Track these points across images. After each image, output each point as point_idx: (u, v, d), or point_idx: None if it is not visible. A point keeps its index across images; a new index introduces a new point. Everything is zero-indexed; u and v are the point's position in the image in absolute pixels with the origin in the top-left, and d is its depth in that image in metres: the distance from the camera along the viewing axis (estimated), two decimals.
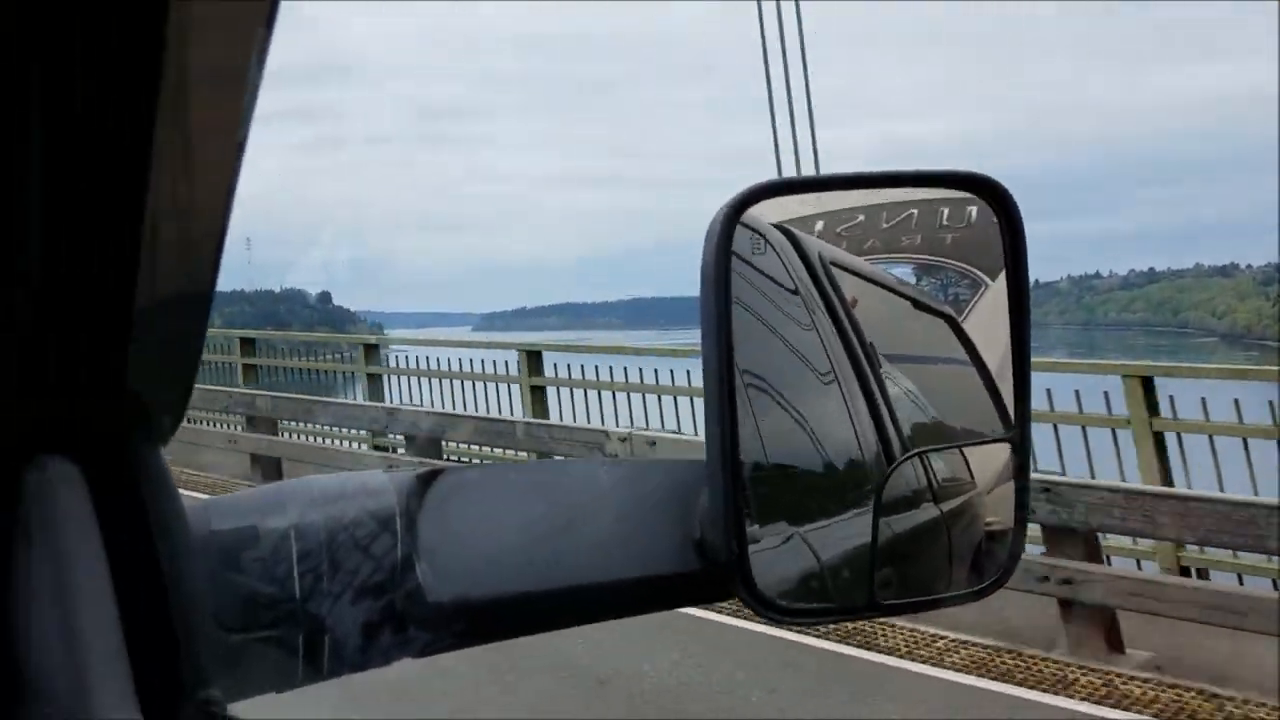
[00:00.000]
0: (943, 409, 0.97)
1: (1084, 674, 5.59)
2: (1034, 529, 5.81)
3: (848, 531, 0.81)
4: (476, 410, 10.81)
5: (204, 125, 0.45)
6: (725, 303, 0.71)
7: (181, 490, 0.60)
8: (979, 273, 0.98)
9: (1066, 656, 5.79)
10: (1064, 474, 6.69)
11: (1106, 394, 7.32)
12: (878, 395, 0.88)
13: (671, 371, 9.83)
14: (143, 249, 0.46)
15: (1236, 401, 6.90)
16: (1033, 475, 0.88)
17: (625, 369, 10.24)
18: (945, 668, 5.77)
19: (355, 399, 12.00)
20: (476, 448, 9.97)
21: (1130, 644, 5.90)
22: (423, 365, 11.95)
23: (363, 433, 11.33)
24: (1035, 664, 5.73)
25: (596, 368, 10.42)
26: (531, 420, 9.79)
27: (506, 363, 11.08)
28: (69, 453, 0.53)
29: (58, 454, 0.52)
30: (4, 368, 0.49)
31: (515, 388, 10.79)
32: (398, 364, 12.39)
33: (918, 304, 0.97)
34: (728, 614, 6.08)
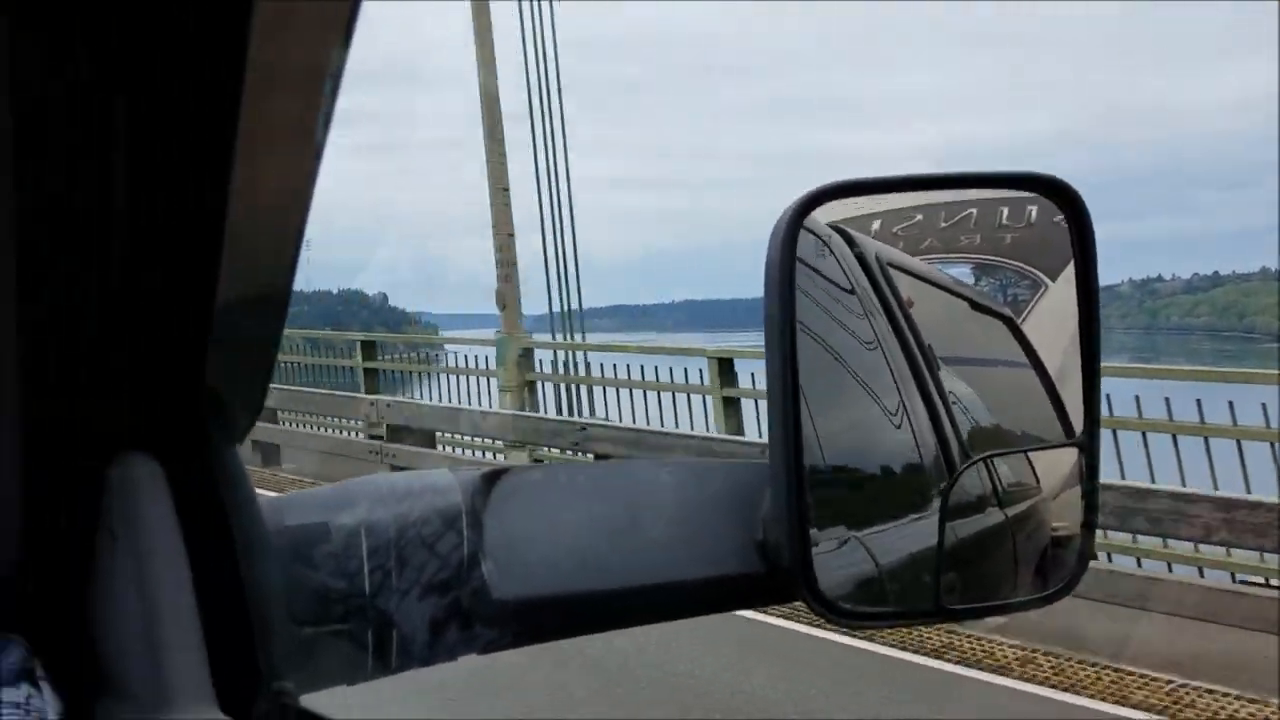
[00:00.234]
0: (1002, 412, 0.96)
1: None
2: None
3: (907, 535, 0.81)
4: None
5: (284, 126, 0.46)
6: (790, 305, 0.71)
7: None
8: (1039, 273, 0.97)
9: None
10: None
11: (1168, 399, 7.17)
12: (936, 398, 0.88)
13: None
14: (224, 250, 0.47)
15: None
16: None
17: (686, 369, 9.96)
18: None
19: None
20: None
21: None
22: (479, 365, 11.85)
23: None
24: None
25: (671, 369, 10.04)
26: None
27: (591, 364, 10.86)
28: (150, 450, 0.54)
29: (140, 451, 0.54)
30: (88, 368, 0.51)
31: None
32: (456, 363, 12.29)
33: (976, 305, 0.96)
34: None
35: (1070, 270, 0.96)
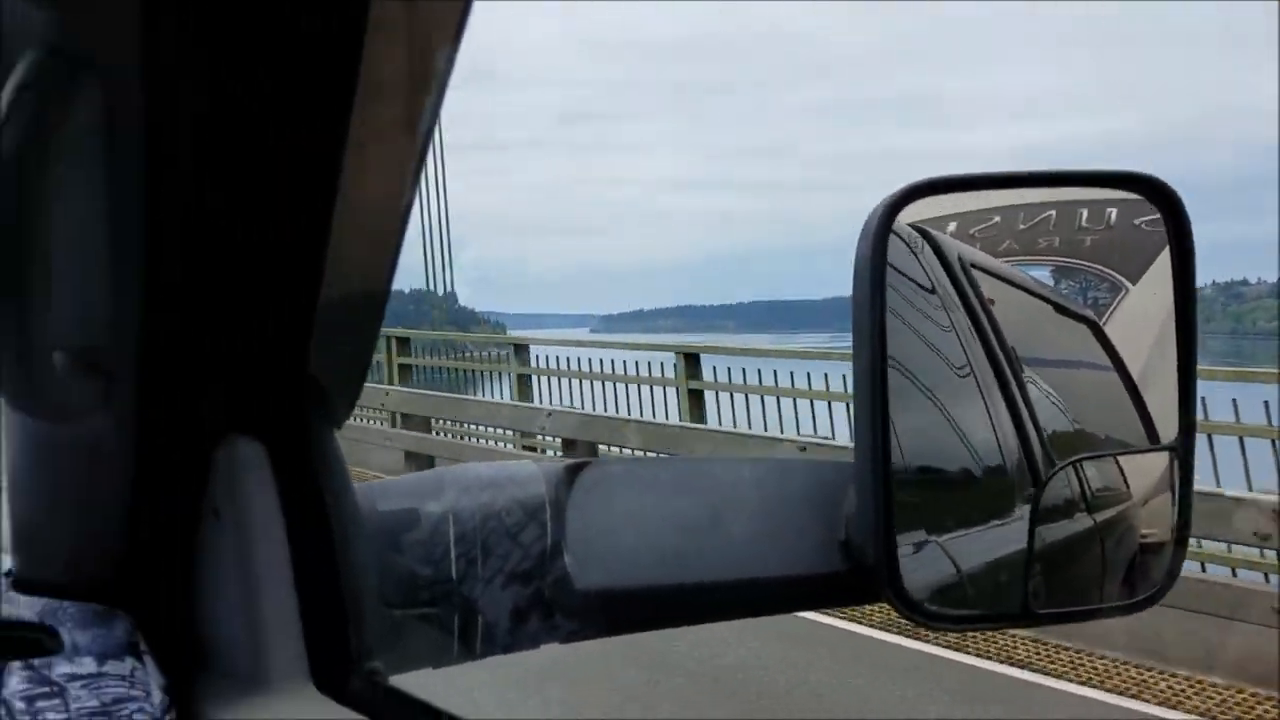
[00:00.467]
0: (1085, 416, 0.94)
1: None
2: None
3: (989, 540, 0.80)
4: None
5: (392, 128, 0.47)
6: (880, 303, 0.70)
7: None
8: (1119, 276, 0.96)
9: None
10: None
11: (1266, 404, 6.94)
12: (1019, 400, 0.87)
13: (791, 374, 9.60)
14: (330, 243, 0.49)
15: None
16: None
17: (744, 370, 9.95)
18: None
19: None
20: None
21: None
22: (556, 365, 11.84)
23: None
24: None
25: (744, 370, 9.97)
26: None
27: (637, 363, 10.87)
28: (255, 434, 0.56)
29: (245, 435, 0.56)
30: (197, 354, 0.53)
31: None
32: (538, 363, 12.34)
33: (1059, 307, 0.95)
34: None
35: (1151, 274, 0.95)
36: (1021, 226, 0.97)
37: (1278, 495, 5.79)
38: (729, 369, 9.98)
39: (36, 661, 0.54)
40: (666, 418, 10.02)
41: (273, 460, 0.56)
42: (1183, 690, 5.41)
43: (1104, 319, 0.95)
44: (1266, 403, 6.92)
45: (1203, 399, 6.94)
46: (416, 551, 0.67)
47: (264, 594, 0.54)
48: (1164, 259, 0.90)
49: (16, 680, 0.53)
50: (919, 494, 0.79)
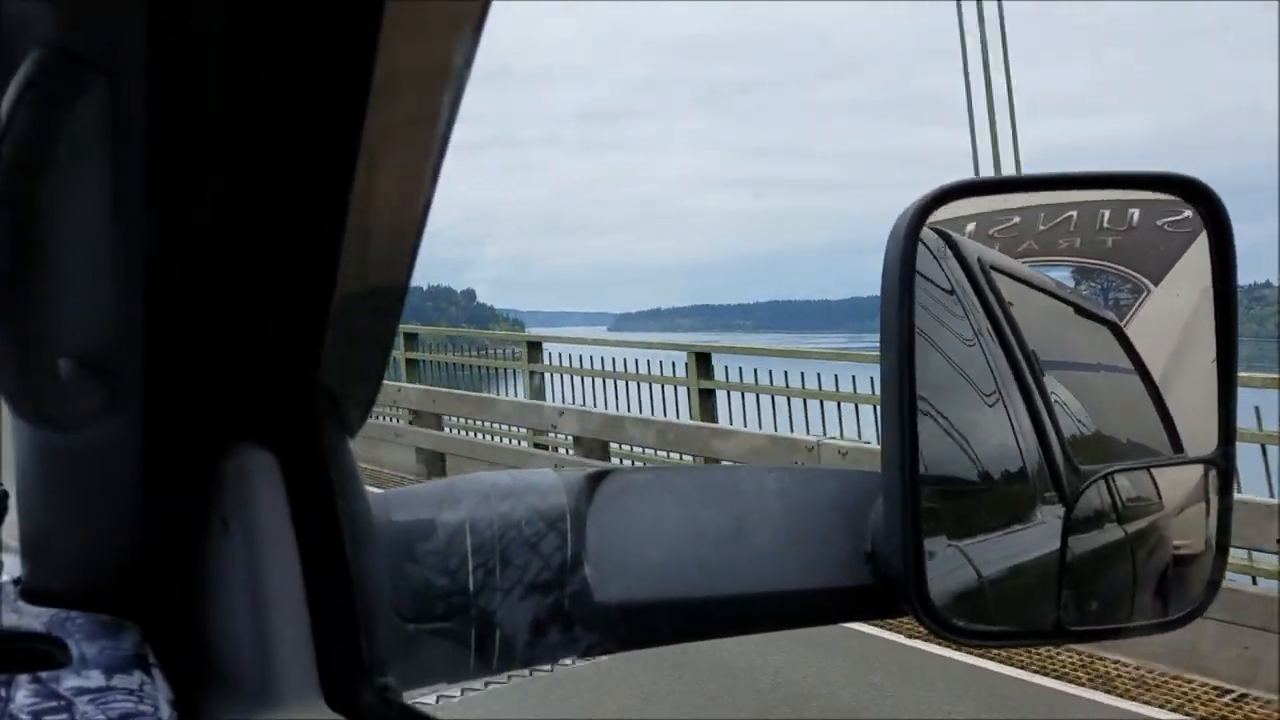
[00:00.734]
0: (1108, 421, 0.93)
1: None
2: None
3: (1013, 545, 0.78)
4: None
5: (408, 126, 0.47)
6: (909, 307, 0.69)
7: None
8: (1141, 277, 0.94)
9: None
10: None
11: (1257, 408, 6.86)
12: (1040, 404, 0.85)
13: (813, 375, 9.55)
14: (344, 246, 0.48)
15: None
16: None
17: (769, 372, 9.90)
18: None
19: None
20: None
21: None
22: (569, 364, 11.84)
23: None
24: None
25: (769, 371, 9.79)
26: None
27: (645, 362, 10.92)
28: (265, 443, 0.55)
29: (255, 443, 0.55)
30: (206, 360, 0.52)
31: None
32: (551, 361, 12.37)
33: (1080, 310, 0.94)
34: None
35: (1173, 275, 0.93)
36: (1042, 227, 0.96)
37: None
38: (739, 369, 9.88)
39: (44, 675, 0.54)
40: (677, 416, 10.00)
41: (283, 469, 0.55)
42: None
43: (1125, 321, 0.93)
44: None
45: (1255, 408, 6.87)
46: (432, 563, 0.66)
47: (274, 606, 0.53)
48: (1188, 260, 0.88)
49: (24, 694, 0.53)
50: (940, 500, 0.77)
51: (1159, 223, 0.94)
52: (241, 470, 0.55)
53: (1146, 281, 0.94)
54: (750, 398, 9.54)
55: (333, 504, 0.56)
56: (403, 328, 13.20)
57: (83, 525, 0.59)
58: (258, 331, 0.52)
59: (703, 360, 9.90)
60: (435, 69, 0.44)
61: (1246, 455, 6.87)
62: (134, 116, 0.43)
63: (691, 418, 9.70)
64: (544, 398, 11.38)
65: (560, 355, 11.90)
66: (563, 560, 0.68)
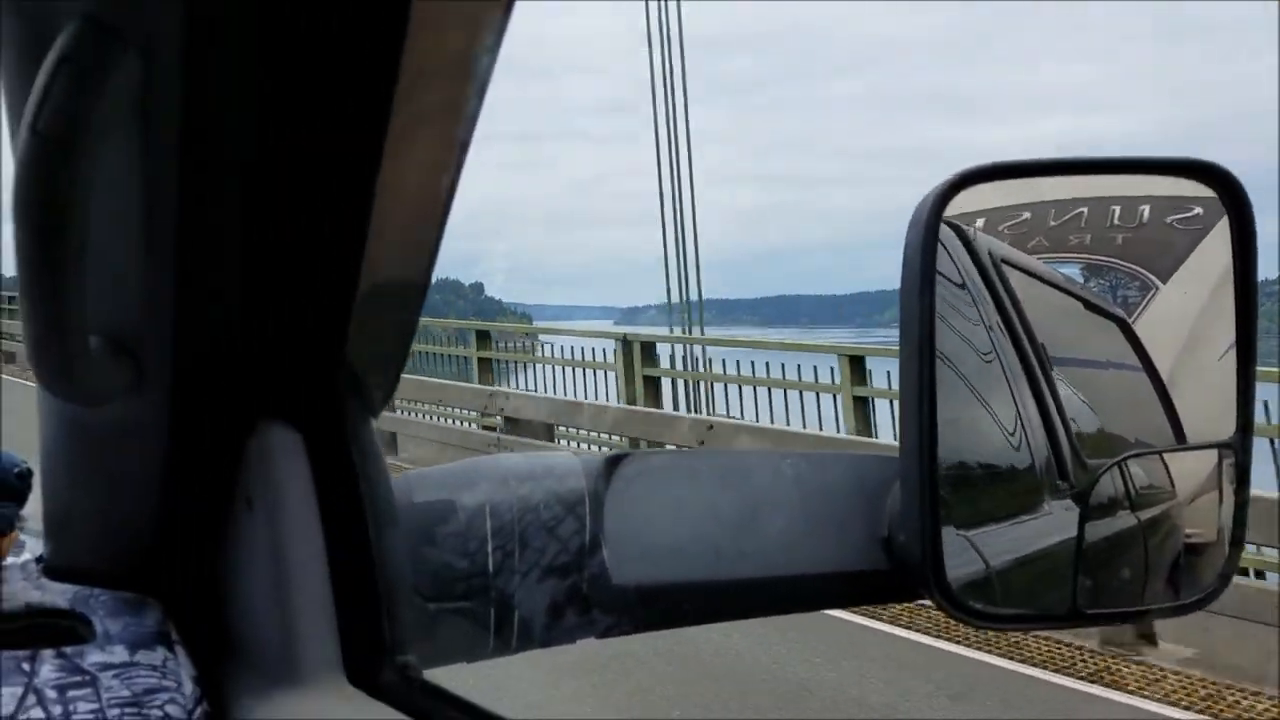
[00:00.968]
0: (1115, 415, 0.93)
1: None
2: None
3: (1021, 533, 0.79)
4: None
5: (434, 119, 0.47)
6: (929, 293, 0.69)
7: None
8: (1149, 275, 0.95)
9: None
10: None
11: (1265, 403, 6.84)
12: (1048, 396, 0.86)
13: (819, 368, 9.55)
14: (370, 231, 0.49)
15: None
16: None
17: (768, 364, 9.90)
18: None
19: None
20: None
21: None
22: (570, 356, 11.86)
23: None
24: None
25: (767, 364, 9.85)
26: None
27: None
28: (291, 421, 0.56)
29: (280, 422, 0.56)
30: (232, 339, 0.53)
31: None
32: (552, 353, 12.34)
33: (1089, 305, 0.94)
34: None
35: (1182, 273, 0.94)
36: (1053, 223, 0.96)
37: None
38: (723, 360, 10.21)
39: (69, 650, 0.54)
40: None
41: (308, 448, 0.56)
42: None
43: (1134, 317, 0.94)
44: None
45: (1264, 402, 6.83)
46: (452, 544, 0.67)
47: (296, 584, 0.53)
48: (1196, 258, 0.89)
49: (49, 669, 0.53)
50: (950, 489, 0.77)
51: (1169, 220, 0.94)
52: (267, 448, 0.55)
53: (1155, 279, 0.94)
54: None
55: (356, 484, 0.56)
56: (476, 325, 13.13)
57: (106, 503, 0.60)
58: (285, 312, 0.53)
59: (647, 350, 10.62)
60: (461, 63, 0.45)
61: (1257, 449, 6.83)
62: (168, 96, 0.43)
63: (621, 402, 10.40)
64: (502, 383, 11.60)
65: (562, 348, 11.90)
66: (581, 543, 0.68)
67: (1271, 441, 6.56)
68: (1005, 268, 0.89)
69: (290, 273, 0.51)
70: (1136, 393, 0.89)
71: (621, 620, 0.69)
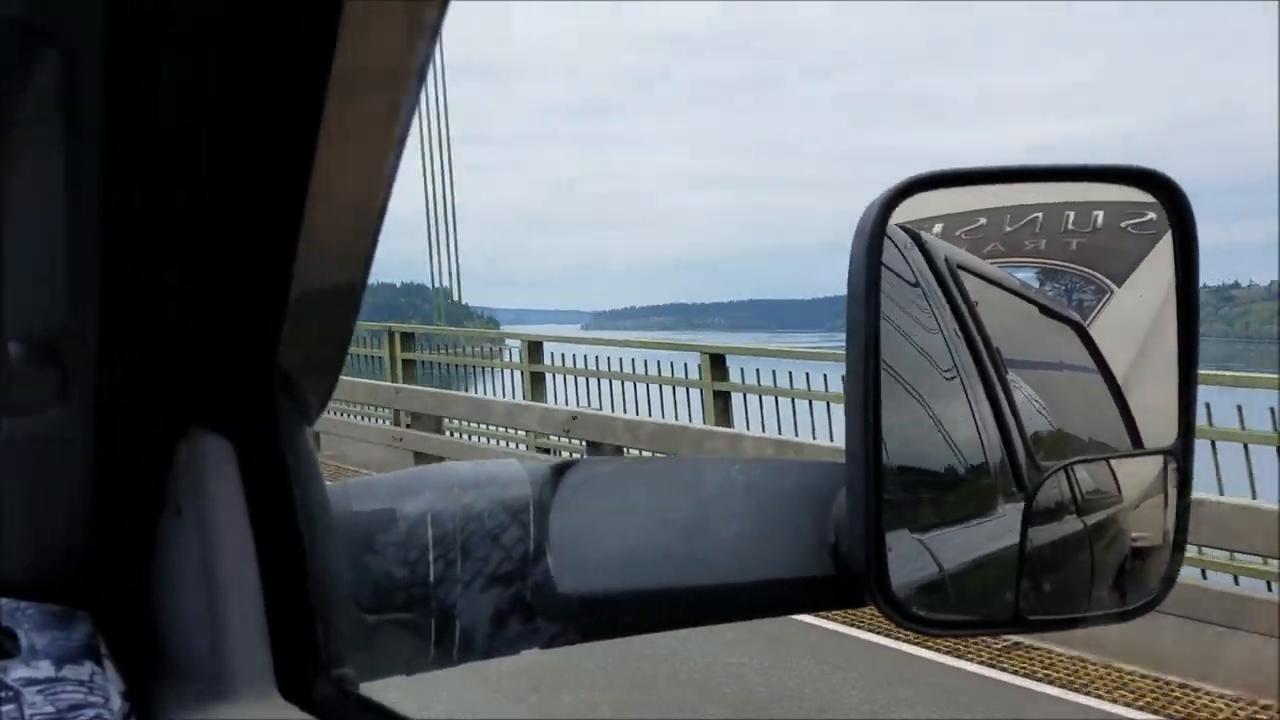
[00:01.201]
0: (1070, 418, 0.94)
1: None
2: None
3: (975, 537, 0.79)
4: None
5: (367, 123, 0.46)
6: (874, 301, 0.68)
7: None
8: (1104, 279, 0.95)
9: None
10: None
11: (1240, 407, 6.95)
12: (1003, 400, 0.86)
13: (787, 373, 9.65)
14: (302, 235, 0.48)
15: None
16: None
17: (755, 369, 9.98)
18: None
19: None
20: None
21: None
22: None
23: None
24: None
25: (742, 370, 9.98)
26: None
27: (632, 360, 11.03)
28: (221, 429, 0.54)
29: (210, 430, 0.54)
30: (160, 345, 0.51)
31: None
32: (513, 358, 12.47)
33: (1044, 309, 0.95)
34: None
35: (1136, 277, 0.94)
36: (1008, 228, 0.97)
37: None
38: (685, 364, 10.37)
39: None
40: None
41: (239, 456, 0.54)
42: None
43: (1089, 321, 0.94)
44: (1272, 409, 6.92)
45: (1206, 404, 6.95)
46: (392, 553, 0.65)
47: (227, 595, 0.52)
48: (1150, 262, 0.89)
49: None
50: (904, 492, 0.78)
51: (1123, 225, 0.95)
52: (196, 457, 0.54)
53: (1110, 282, 0.95)
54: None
55: (289, 492, 0.55)
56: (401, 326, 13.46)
57: (33, 513, 0.58)
58: (214, 317, 0.51)
59: (535, 349, 11.67)
60: (395, 66, 0.44)
61: (1230, 452, 6.96)
62: (90, 95, 0.42)
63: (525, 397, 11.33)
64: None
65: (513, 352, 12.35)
66: (525, 551, 0.67)
67: (1245, 447, 6.66)
68: (961, 273, 0.89)
69: (220, 276, 0.50)
70: (1091, 395, 0.89)
71: (566, 629, 0.68)
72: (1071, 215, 0.97)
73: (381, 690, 0.63)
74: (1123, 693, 5.46)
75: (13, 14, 0.41)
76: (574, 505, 0.69)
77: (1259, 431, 6.85)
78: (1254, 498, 6.42)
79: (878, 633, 5.95)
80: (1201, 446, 6.94)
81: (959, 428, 0.84)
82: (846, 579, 0.70)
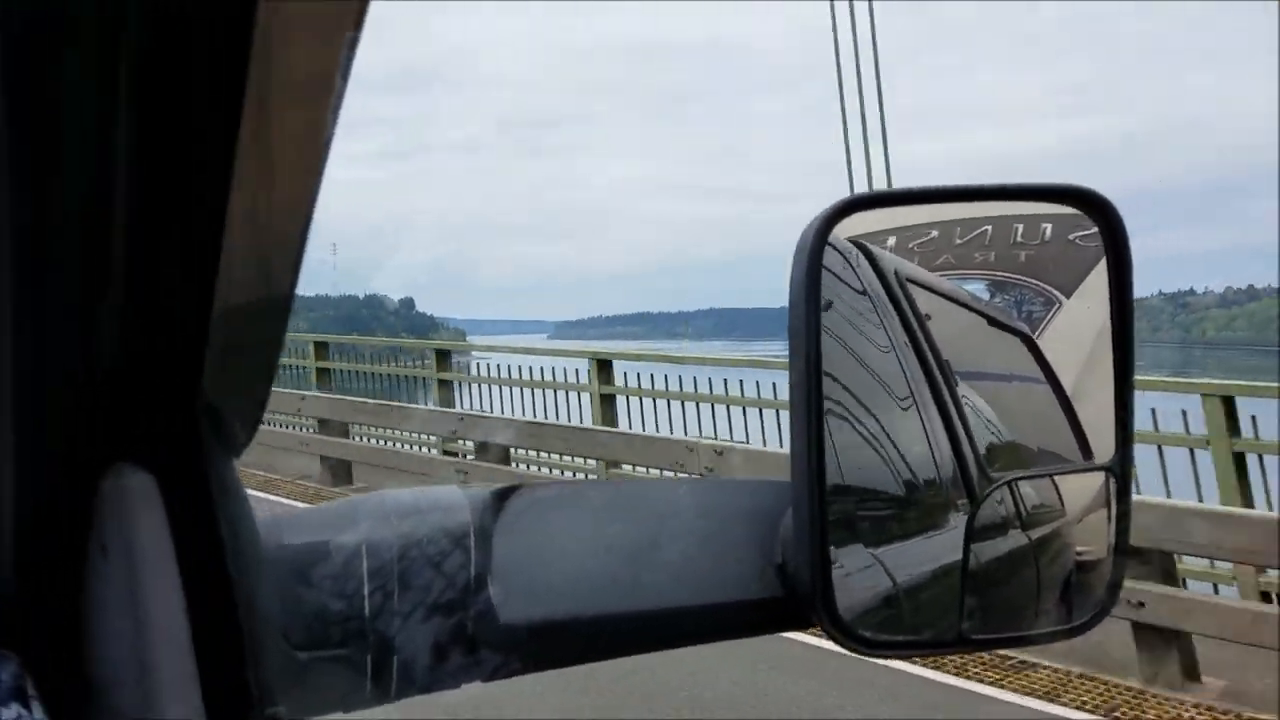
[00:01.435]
0: (1019, 429, 0.95)
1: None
2: None
3: (926, 554, 0.79)
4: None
5: (287, 133, 0.45)
6: (815, 318, 0.68)
7: None
8: (1054, 290, 0.97)
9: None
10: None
11: (1185, 412, 7.06)
12: (954, 414, 0.86)
13: (756, 382, 9.78)
14: (222, 258, 0.46)
15: None
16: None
17: (701, 378, 10.25)
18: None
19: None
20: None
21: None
22: (501, 373, 12.18)
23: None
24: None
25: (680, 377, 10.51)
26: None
27: (579, 370, 11.27)
28: (144, 463, 0.52)
29: (133, 464, 0.52)
30: (82, 377, 0.50)
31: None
32: (479, 371, 12.81)
33: (994, 321, 0.95)
34: None
35: (1085, 287, 0.95)
36: (958, 242, 0.98)
37: None
38: (638, 374, 10.94)
39: None
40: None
41: (164, 490, 0.52)
42: None
43: (1038, 332, 0.96)
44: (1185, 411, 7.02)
45: (1153, 410, 7.03)
46: (326, 587, 0.64)
47: (155, 634, 0.50)
48: (1098, 273, 0.91)
49: None
50: (857, 510, 0.77)
51: (1071, 237, 0.96)
52: (119, 493, 0.52)
53: (1059, 294, 0.96)
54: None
55: (215, 527, 0.54)
56: (314, 337, 13.82)
57: None
58: (133, 346, 0.49)
59: (443, 356, 12.81)
60: (311, 77, 0.42)
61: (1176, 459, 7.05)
62: None
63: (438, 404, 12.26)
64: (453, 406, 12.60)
65: (487, 365, 12.85)
66: (467, 580, 0.66)
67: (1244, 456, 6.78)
68: (911, 286, 0.90)
69: (139, 303, 0.48)
70: (1040, 407, 0.90)
71: (510, 660, 0.66)
72: (1020, 228, 0.98)
73: None
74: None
75: None
76: (517, 531, 0.68)
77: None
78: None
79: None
80: (1145, 452, 7.03)
81: (910, 443, 0.83)
82: (793, 599, 0.69)
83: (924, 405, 0.85)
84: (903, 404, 0.85)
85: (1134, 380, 0.80)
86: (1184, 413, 7.10)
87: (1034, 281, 0.99)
